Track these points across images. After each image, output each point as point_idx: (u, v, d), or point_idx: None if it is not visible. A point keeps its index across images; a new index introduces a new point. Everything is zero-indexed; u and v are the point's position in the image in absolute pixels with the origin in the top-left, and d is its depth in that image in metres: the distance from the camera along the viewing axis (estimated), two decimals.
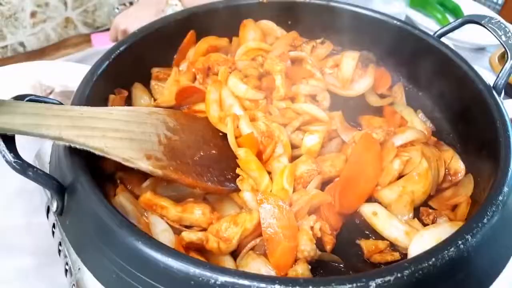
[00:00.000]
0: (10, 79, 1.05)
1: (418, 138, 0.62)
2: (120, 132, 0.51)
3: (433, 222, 0.56)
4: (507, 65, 0.61)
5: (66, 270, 0.60)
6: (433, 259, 0.39)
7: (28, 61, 1.14)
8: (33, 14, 2.48)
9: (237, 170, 0.56)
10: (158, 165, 0.50)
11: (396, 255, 0.52)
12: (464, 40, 1.16)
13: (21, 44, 2.54)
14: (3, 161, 0.45)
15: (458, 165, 0.62)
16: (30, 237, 0.75)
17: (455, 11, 1.27)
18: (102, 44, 1.35)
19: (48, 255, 0.70)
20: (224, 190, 0.55)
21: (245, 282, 0.37)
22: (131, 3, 1.60)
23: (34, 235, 0.75)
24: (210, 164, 0.57)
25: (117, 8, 1.97)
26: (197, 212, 0.51)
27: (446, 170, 0.62)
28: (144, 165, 0.49)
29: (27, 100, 0.52)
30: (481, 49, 1.21)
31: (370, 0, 1.17)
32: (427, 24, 1.22)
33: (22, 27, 2.49)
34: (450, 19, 1.26)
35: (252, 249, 0.50)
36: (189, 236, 0.47)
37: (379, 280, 0.37)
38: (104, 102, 0.65)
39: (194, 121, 0.65)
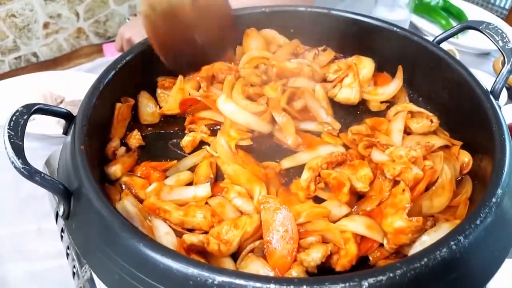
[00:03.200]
0: (22, 88, 1.09)
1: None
2: None
3: (432, 226, 0.56)
4: (504, 70, 0.61)
5: (73, 273, 0.62)
6: (425, 260, 0.40)
7: (40, 71, 1.18)
8: (45, 25, 2.54)
9: (222, 183, 0.59)
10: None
11: None
12: (468, 45, 1.17)
13: (34, 54, 2.60)
14: (14, 170, 0.47)
15: (466, 157, 0.62)
16: (40, 241, 0.77)
17: (459, 16, 1.27)
18: (113, 53, 1.38)
19: (57, 258, 0.72)
20: None
21: (242, 282, 0.38)
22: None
23: (45, 239, 0.77)
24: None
25: (128, 19, 2.01)
26: (199, 216, 0.53)
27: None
28: None
29: (35, 109, 0.54)
30: (485, 54, 1.21)
31: (374, 7, 1.18)
32: (431, 29, 1.23)
33: (35, 38, 2.55)
34: (454, 24, 1.27)
35: (252, 251, 0.51)
36: (191, 238, 0.49)
37: (371, 280, 0.38)
38: (111, 110, 0.67)
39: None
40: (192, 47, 0.75)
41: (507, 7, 1.98)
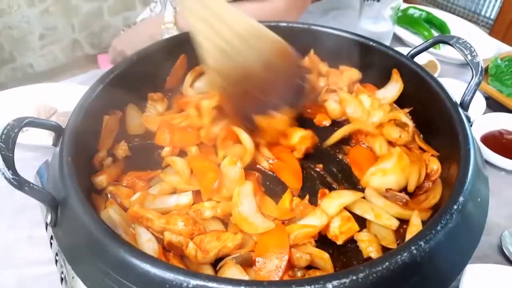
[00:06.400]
0: (16, 100, 1.11)
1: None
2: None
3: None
4: (472, 83, 0.65)
5: (61, 279, 0.64)
6: (387, 263, 0.42)
7: (36, 81, 1.21)
8: (41, 37, 2.57)
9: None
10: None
11: None
12: (449, 56, 1.20)
13: (30, 65, 2.64)
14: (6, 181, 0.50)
15: (436, 165, 0.66)
16: (31, 249, 0.80)
17: (442, 28, 1.31)
18: (108, 65, 1.42)
19: (48, 265, 0.74)
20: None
21: (214, 285, 0.40)
22: (135, 24, 1.65)
23: (35, 247, 0.79)
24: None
25: (123, 30, 2.04)
26: (180, 224, 0.55)
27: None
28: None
29: (26, 122, 0.57)
30: (465, 64, 1.24)
31: (358, 20, 1.22)
32: (414, 41, 1.27)
33: (31, 49, 2.59)
34: (436, 35, 1.31)
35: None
36: (170, 236, 0.52)
37: (335, 282, 0.40)
38: (99, 123, 0.70)
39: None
40: (266, 105, 0.68)
41: (492, 17, 2.04)
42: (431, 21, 1.33)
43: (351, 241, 0.58)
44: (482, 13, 2.04)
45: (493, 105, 1.03)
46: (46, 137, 0.98)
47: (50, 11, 2.45)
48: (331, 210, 0.58)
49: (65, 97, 1.12)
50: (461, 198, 0.49)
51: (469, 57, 0.66)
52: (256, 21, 0.65)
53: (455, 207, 0.48)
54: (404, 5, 1.34)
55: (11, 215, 0.85)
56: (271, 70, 0.66)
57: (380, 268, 0.42)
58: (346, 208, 0.59)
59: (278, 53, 0.67)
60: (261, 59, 0.65)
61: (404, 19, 1.32)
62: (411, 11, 1.35)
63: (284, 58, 0.68)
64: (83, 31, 2.65)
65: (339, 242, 0.57)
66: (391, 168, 0.63)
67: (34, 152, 0.96)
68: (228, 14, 0.62)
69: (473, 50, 0.67)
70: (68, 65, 2.66)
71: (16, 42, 2.46)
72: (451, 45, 0.69)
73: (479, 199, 0.53)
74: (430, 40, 0.73)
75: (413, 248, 0.44)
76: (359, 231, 0.58)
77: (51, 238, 0.70)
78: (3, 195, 0.87)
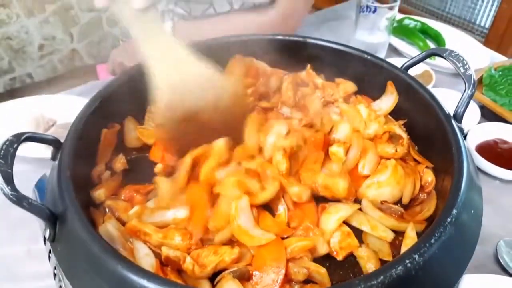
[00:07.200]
0: (16, 112, 1.12)
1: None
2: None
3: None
4: (465, 95, 0.66)
5: None
6: (382, 277, 0.43)
7: (35, 91, 1.22)
8: (40, 47, 2.59)
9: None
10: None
11: None
12: (445, 66, 1.22)
13: (29, 75, 2.65)
14: (4, 195, 0.50)
15: (430, 176, 0.67)
16: (30, 263, 0.80)
17: (437, 38, 1.33)
18: (106, 75, 1.43)
19: (46, 279, 0.75)
20: None
21: None
22: None
23: (34, 261, 0.80)
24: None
25: (122, 40, 2.06)
26: (177, 238, 0.56)
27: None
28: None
29: (24, 138, 0.58)
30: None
31: (354, 31, 1.23)
32: (409, 51, 1.28)
33: (30, 59, 2.60)
34: (432, 45, 1.33)
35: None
36: (168, 251, 0.52)
37: None
38: (97, 136, 0.71)
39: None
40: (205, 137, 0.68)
41: (487, 26, 2.06)
42: (426, 32, 1.35)
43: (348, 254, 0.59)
44: (477, 22, 2.06)
45: (488, 114, 1.04)
46: (43, 150, 0.98)
47: (50, 21, 2.47)
48: (331, 226, 0.59)
49: (64, 108, 1.13)
50: (454, 211, 0.50)
51: (462, 70, 0.67)
52: (210, 69, 0.66)
53: (449, 219, 0.49)
54: (399, 16, 1.36)
55: (9, 229, 0.85)
56: (221, 113, 0.67)
57: (375, 282, 0.43)
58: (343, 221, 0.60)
59: (230, 98, 0.68)
60: (212, 101, 0.66)
61: (399, 30, 1.34)
62: (406, 21, 1.37)
63: (235, 103, 0.69)
64: (82, 41, 2.66)
65: (339, 258, 0.57)
66: (386, 181, 0.64)
67: (31, 164, 0.96)
68: (185, 53, 0.63)
69: (465, 63, 0.68)
70: (67, 75, 2.68)
71: (15, 53, 2.48)
72: (444, 58, 0.70)
73: (472, 211, 0.54)
74: (424, 52, 0.74)
75: (407, 261, 0.45)
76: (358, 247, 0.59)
77: (50, 252, 0.70)
78: (1, 208, 0.88)
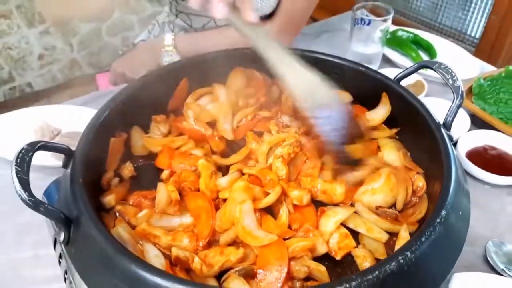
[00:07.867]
0: (19, 121, 1.15)
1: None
2: None
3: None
4: (454, 105, 0.70)
5: None
6: (377, 272, 0.47)
7: (34, 100, 1.25)
8: (40, 57, 2.62)
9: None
10: None
11: None
12: (436, 76, 1.25)
13: (29, 84, 2.68)
14: (12, 202, 0.53)
15: (421, 182, 0.71)
16: (37, 267, 0.82)
17: (428, 49, 1.38)
18: (106, 84, 1.45)
19: (54, 283, 0.77)
20: None
21: None
22: (134, 45, 1.69)
23: (41, 266, 0.82)
24: None
25: (122, 50, 2.09)
26: (185, 241, 0.59)
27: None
28: None
29: (39, 146, 0.61)
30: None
31: (349, 42, 1.28)
32: (402, 62, 1.33)
33: (30, 69, 2.63)
34: (424, 56, 1.38)
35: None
36: (177, 252, 0.56)
37: None
38: (106, 145, 0.74)
39: None
40: None
41: (477, 36, 2.12)
42: (419, 43, 1.39)
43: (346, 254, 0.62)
44: (468, 32, 2.12)
45: (478, 122, 1.08)
46: (48, 158, 1.01)
47: (50, 31, 2.51)
48: (330, 227, 0.63)
49: (67, 118, 1.16)
50: (443, 212, 0.54)
51: (450, 81, 0.72)
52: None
53: (438, 220, 0.53)
54: (392, 27, 1.41)
55: (17, 234, 0.88)
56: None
57: (371, 276, 0.46)
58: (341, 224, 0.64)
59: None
60: None
61: (393, 41, 1.38)
62: (399, 33, 1.42)
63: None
64: (81, 51, 2.70)
65: (338, 257, 0.61)
66: (379, 188, 0.68)
67: (38, 173, 0.99)
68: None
69: (454, 74, 0.72)
70: (66, 85, 2.71)
71: (15, 62, 2.51)
72: (434, 70, 0.74)
73: (460, 212, 0.58)
74: (416, 65, 0.79)
75: (400, 258, 0.48)
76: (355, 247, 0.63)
77: (60, 256, 0.73)
78: (8, 215, 0.90)
